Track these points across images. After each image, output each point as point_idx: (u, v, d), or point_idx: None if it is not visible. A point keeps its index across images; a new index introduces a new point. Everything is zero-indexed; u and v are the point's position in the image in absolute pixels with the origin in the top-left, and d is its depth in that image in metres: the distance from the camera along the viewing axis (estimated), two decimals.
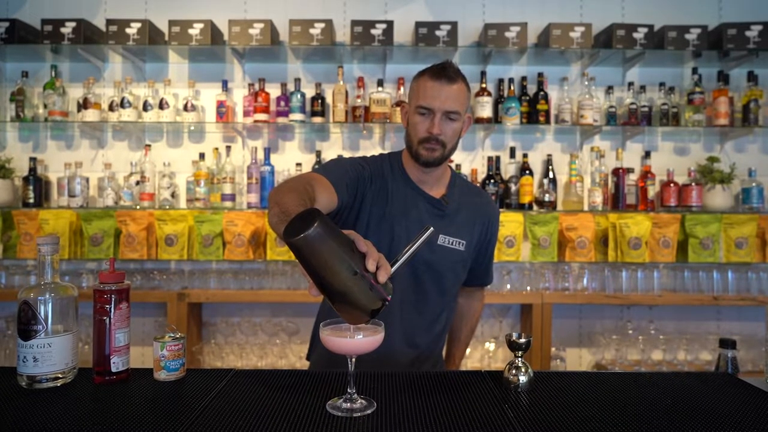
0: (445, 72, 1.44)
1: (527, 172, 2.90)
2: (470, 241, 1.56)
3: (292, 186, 1.21)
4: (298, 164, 2.91)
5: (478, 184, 2.89)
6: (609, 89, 2.92)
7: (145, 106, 2.84)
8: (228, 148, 2.95)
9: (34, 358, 1.14)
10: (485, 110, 2.84)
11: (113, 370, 1.18)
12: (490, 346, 2.86)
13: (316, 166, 2.89)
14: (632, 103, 2.85)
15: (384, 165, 1.56)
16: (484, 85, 2.88)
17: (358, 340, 1.05)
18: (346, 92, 2.88)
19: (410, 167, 1.54)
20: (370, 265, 0.93)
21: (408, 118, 1.50)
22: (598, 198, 2.86)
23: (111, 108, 2.85)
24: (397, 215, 1.49)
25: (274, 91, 2.91)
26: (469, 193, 1.63)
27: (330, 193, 1.32)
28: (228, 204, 2.86)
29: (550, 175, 2.92)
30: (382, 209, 1.49)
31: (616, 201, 2.88)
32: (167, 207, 2.88)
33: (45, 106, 2.87)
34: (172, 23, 2.77)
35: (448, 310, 1.63)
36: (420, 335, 1.55)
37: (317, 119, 2.87)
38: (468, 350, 2.84)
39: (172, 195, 2.91)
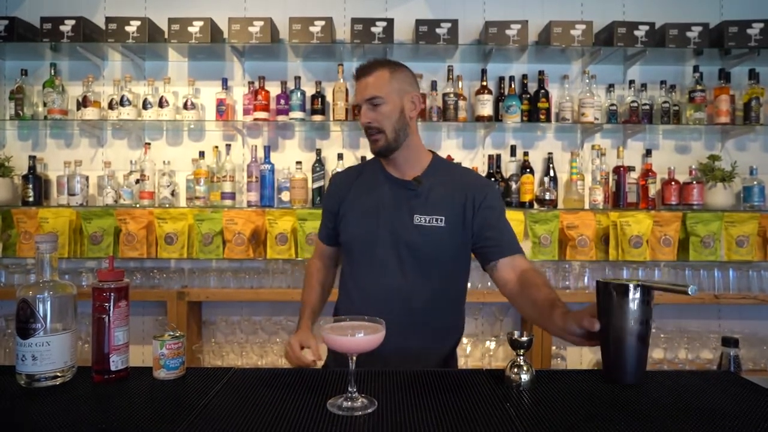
0: (361, 69, 1.58)
1: (528, 170, 2.90)
2: (450, 214, 1.55)
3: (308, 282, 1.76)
4: (298, 162, 2.90)
5: None
6: (610, 87, 2.91)
7: (145, 105, 2.83)
8: (228, 146, 2.94)
9: (32, 357, 1.13)
10: (486, 108, 2.84)
11: (112, 368, 1.17)
12: (491, 344, 2.85)
13: (316, 165, 2.89)
14: (633, 101, 2.84)
15: (365, 167, 1.74)
16: (484, 83, 2.88)
17: (359, 338, 1.05)
18: (347, 90, 2.87)
19: (383, 159, 1.66)
20: None
21: None
22: (599, 196, 2.85)
23: (110, 106, 2.84)
24: (373, 203, 1.61)
25: (274, 89, 2.90)
26: (450, 172, 1.65)
27: (331, 248, 1.75)
28: (228, 202, 2.86)
29: (551, 173, 2.91)
30: (364, 203, 1.62)
31: (617, 199, 2.87)
32: (167, 205, 2.87)
33: (44, 105, 2.86)
34: (171, 21, 2.76)
35: (447, 301, 1.59)
36: (414, 330, 1.52)
37: (317, 117, 2.87)
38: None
39: (172, 193, 2.90)
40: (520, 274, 1.50)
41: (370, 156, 2.98)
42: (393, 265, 1.54)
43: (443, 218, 1.54)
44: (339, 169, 2.81)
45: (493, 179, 2.86)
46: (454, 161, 2.93)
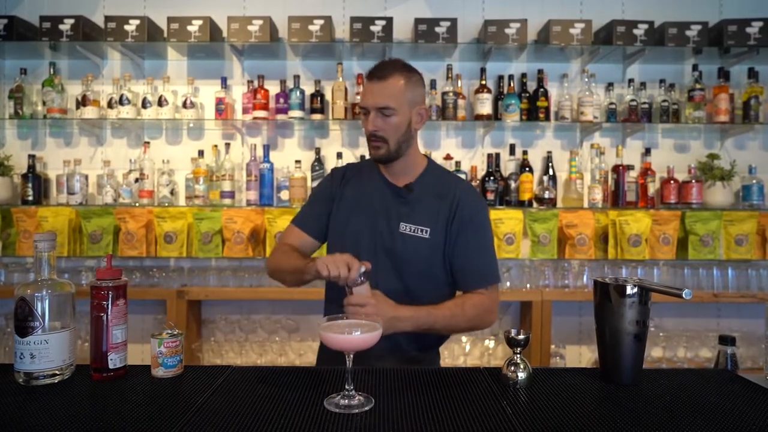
0: (376, 70, 1.50)
1: (527, 169, 2.90)
2: (436, 226, 1.53)
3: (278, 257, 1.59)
4: (297, 161, 2.91)
5: (477, 181, 2.89)
6: (609, 86, 2.91)
7: (144, 104, 2.84)
8: (227, 145, 2.95)
9: (31, 355, 1.13)
10: (485, 107, 2.84)
11: (111, 367, 1.17)
12: (490, 343, 2.85)
13: (315, 164, 2.90)
14: (632, 100, 2.84)
15: (363, 166, 1.70)
16: (483, 82, 2.88)
17: (355, 336, 1.05)
18: (346, 89, 2.87)
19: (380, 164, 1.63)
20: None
21: None
22: (598, 195, 2.85)
23: (110, 105, 2.84)
24: (365, 204, 1.59)
25: (273, 88, 2.90)
26: (440, 180, 1.61)
27: (302, 237, 1.62)
28: (227, 201, 2.86)
29: (550, 172, 2.91)
30: (357, 202, 1.60)
31: (616, 198, 2.88)
32: (166, 204, 2.87)
33: (44, 104, 2.86)
34: (170, 20, 2.76)
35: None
36: (390, 337, 1.42)
37: (316, 116, 2.87)
38: (466, 342, 2.84)
39: (171, 192, 2.90)
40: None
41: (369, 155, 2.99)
42: (375, 276, 1.46)
43: (428, 230, 1.52)
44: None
45: (492, 178, 2.86)
46: (453, 161, 2.92)
